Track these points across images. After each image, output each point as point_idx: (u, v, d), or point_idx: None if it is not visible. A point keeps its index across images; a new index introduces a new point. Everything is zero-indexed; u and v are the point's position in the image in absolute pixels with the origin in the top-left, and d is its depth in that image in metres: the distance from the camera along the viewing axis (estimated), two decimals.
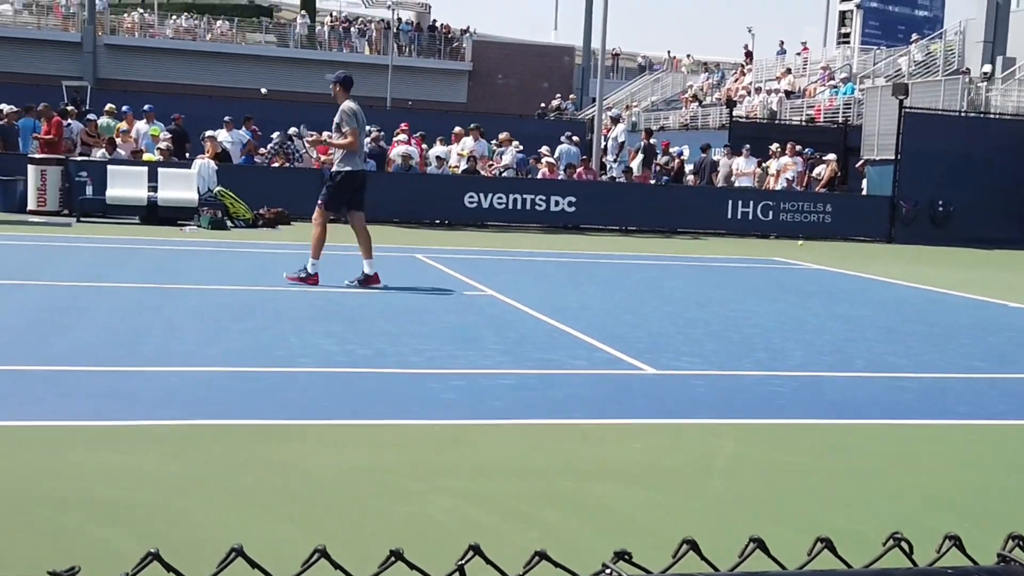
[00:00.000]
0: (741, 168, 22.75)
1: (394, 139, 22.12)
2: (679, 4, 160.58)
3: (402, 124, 23.46)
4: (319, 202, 10.95)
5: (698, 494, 4.58)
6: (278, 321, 8.51)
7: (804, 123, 29.69)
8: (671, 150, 24.65)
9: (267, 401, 5.88)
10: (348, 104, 10.71)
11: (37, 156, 17.97)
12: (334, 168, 10.96)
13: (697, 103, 35.26)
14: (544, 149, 22.70)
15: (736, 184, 22.57)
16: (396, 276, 12.16)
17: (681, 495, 4.57)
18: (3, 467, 4.43)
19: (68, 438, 4.97)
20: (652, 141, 23.96)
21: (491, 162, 22.41)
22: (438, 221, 20.42)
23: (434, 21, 48.27)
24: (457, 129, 22.76)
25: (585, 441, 5.37)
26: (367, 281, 10.80)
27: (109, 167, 17.80)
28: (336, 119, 10.69)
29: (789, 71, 34.78)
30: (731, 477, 4.82)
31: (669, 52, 49.27)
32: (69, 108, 22.08)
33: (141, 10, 47.17)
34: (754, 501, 4.50)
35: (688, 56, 48.38)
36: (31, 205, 17.55)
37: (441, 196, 20.38)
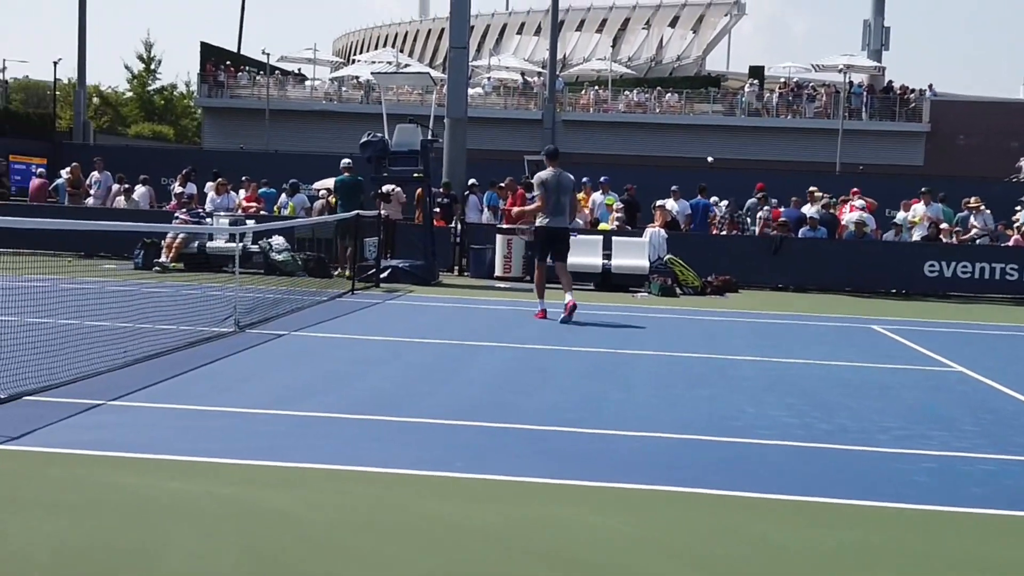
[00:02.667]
0: None
1: (848, 204, 21.42)
2: None
3: (852, 189, 22.70)
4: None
5: None
6: (732, 390, 8.45)
7: None
8: None
9: (727, 471, 5.82)
10: (540, 174, 12.94)
11: (504, 227, 19.42)
12: (536, 224, 13.16)
13: None
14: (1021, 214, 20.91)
15: None
16: (852, 348, 11.68)
17: None
18: (491, 520, 4.73)
19: (544, 495, 5.21)
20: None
21: (955, 228, 20.98)
22: (894, 290, 19.43)
23: (889, 82, 46.50)
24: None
25: None
26: (567, 310, 12.65)
27: None
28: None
29: None
30: None
31: None
32: (532, 181, 23.68)
33: (596, 87, 49.76)
34: None
35: None
36: (498, 271, 18.97)
37: (898, 264, 19.39)
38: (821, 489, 5.53)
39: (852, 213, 20.54)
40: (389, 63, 47.85)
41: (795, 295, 18.38)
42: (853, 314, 15.41)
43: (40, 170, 27.63)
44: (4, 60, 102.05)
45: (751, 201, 22.07)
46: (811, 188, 21.73)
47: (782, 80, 47.81)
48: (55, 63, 54.74)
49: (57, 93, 58.31)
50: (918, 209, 21.28)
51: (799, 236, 19.73)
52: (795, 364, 10.15)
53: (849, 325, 14.01)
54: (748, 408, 7.66)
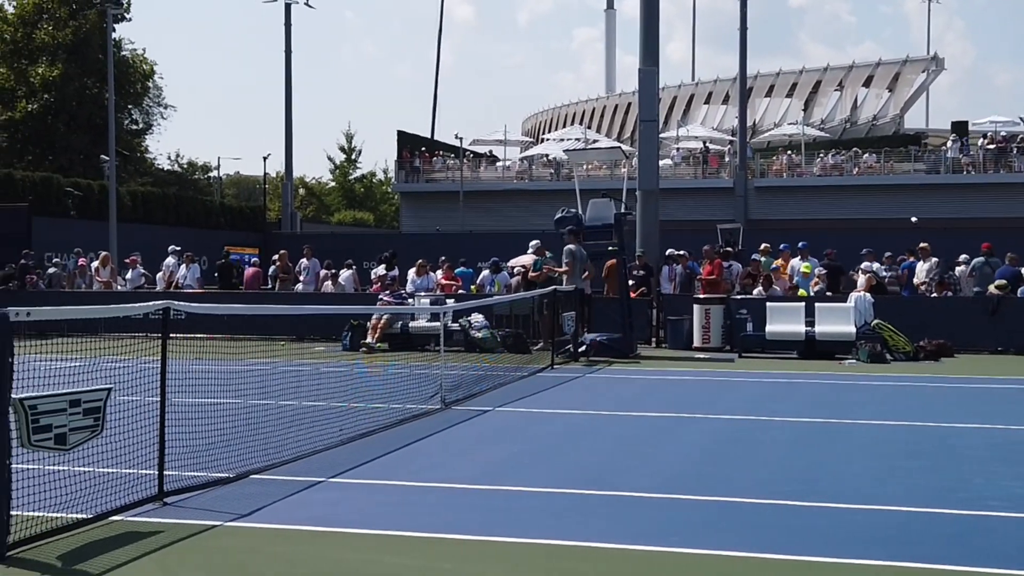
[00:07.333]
0: None
1: None
2: None
3: None
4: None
5: None
6: (955, 460, 8.02)
7: None
8: None
9: (960, 546, 5.49)
10: (569, 247, 16.95)
11: (701, 296, 19.20)
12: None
13: None
14: None
15: None
16: None
17: None
18: None
19: (761, 571, 5.05)
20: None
21: None
22: None
23: None
24: None
25: None
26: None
27: (768, 304, 18.43)
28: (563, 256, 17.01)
29: None
30: None
31: None
32: (727, 249, 23.37)
33: (789, 152, 48.90)
34: None
35: None
36: (696, 342, 18.69)
37: None
38: None
39: None
40: (578, 140, 48.63)
41: (1017, 358, 17.33)
42: None
43: (254, 259, 29.27)
44: (219, 158, 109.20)
45: (977, 261, 20.87)
46: (922, 244, 20.51)
47: (987, 134, 45.76)
48: (264, 158, 58.23)
49: (266, 186, 61.90)
50: None
51: (1019, 296, 18.65)
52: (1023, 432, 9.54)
53: None
54: (976, 479, 7.24)
